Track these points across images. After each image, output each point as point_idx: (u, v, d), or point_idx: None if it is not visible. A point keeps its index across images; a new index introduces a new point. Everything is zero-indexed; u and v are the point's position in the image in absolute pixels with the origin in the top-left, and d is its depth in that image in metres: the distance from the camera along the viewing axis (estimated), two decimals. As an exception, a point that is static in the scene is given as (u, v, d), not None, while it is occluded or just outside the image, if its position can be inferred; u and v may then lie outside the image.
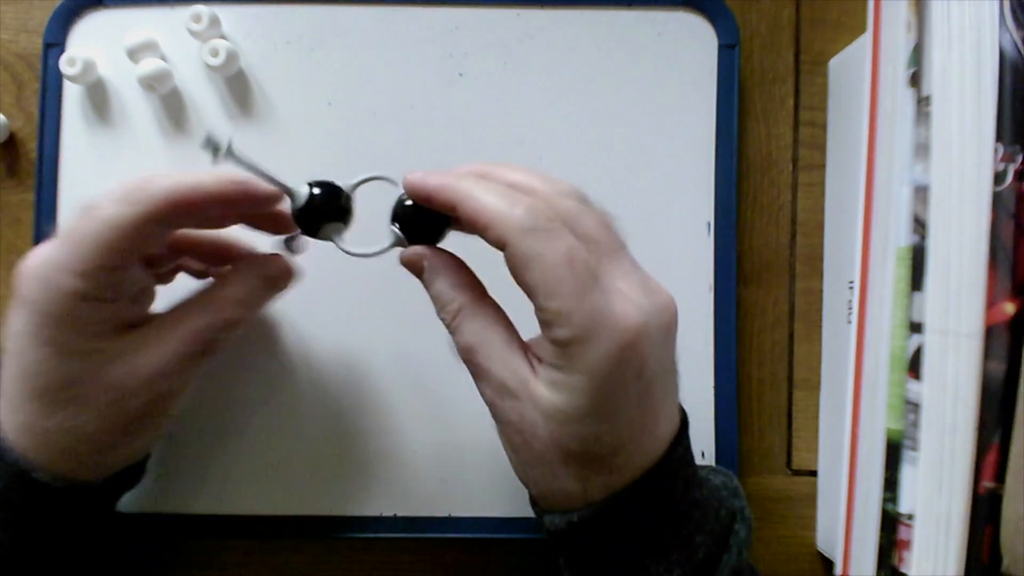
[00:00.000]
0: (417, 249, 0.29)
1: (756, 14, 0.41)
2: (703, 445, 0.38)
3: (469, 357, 0.28)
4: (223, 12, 0.38)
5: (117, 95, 0.38)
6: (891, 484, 0.31)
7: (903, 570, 0.30)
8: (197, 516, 0.37)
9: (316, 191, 0.29)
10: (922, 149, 0.30)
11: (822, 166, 0.40)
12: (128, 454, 0.32)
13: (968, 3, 0.29)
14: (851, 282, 0.36)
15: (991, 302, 0.28)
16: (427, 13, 0.39)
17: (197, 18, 0.37)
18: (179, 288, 0.33)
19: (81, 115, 0.38)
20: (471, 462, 0.37)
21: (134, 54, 0.37)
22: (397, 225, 0.30)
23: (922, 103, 0.30)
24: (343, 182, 0.30)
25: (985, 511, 0.28)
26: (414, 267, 0.29)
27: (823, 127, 0.40)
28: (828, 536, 0.38)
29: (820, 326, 0.40)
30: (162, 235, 0.29)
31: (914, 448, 0.29)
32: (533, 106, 0.39)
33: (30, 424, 0.29)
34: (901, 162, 0.31)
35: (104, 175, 0.38)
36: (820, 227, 0.40)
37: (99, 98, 0.38)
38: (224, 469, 0.37)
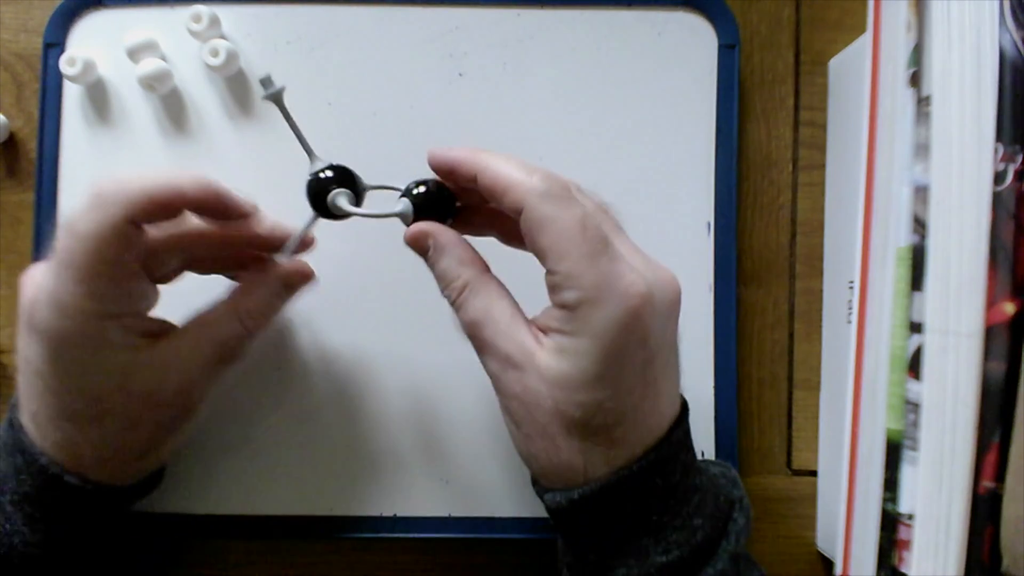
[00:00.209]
0: (423, 225, 0.29)
1: (756, 14, 0.41)
2: (703, 445, 0.38)
3: (474, 332, 0.29)
4: (223, 12, 0.38)
5: (117, 95, 0.38)
6: (891, 484, 0.31)
7: (903, 570, 0.30)
8: (198, 516, 0.37)
9: (336, 164, 0.31)
10: (922, 149, 0.30)
11: (822, 166, 0.40)
12: (156, 459, 0.33)
13: (968, 3, 0.29)
14: (851, 282, 0.36)
15: (991, 302, 0.28)
16: (427, 13, 0.39)
17: (197, 18, 0.37)
18: (181, 290, 0.33)
19: (81, 115, 0.38)
20: (471, 462, 0.37)
21: (134, 54, 0.37)
22: (407, 199, 0.30)
23: (922, 103, 0.30)
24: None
25: (985, 511, 0.28)
26: (419, 244, 0.29)
27: (823, 127, 0.40)
28: (828, 536, 0.38)
29: (820, 326, 0.40)
30: (144, 235, 0.29)
31: (914, 448, 0.29)
32: (533, 106, 0.39)
33: (61, 441, 0.29)
34: (901, 162, 0.31)
35: (104, 175, 0.38)
36: (820, 227, 0.40)
37: (99, 98, 0.38)
38: (225, 470, 0.37)
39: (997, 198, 0.28)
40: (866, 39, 0.35)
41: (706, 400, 0.38)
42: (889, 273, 0.32)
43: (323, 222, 0.31)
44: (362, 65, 0.39)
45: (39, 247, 0.37)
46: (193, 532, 0.37)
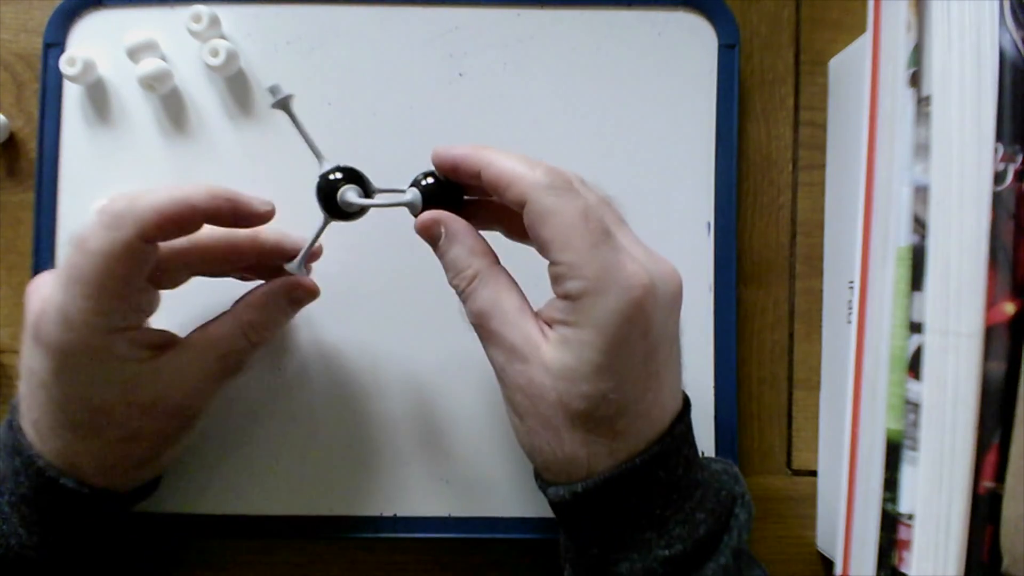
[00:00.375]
0: (434, 213, 0.29)
1: (756, 14, 0.41)
2: (703, 445, 0.38)
3: (481, 322, 0.29)
4: (223, 12, 0.38)
5: (117, 95, 0.38)
6: (891, 484, 0.31)
7: (903, 570, 0.30)
8: (198, 516, 0.37)
9: (344, 165, 0.31)
10: (922, 149, 0.30)
11: (822, 166, 0.40)
12: (154, 469, 0.33)
13: (968, 3, 0.29)
14: (851, 282, 0.36)
15: (991, 302, 0.28)
16: (427, 13, 0.39)
17: (197, 18, 0.37)
18: (181, 290, 0.33)
19: (81, 115, 0.38)
20: (471, 462, 0.37)
21: (134, 54, 0.37)
22: (416, 189, 0.30)
23: (922, 103, 0.30)
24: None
25: (985, 511, 0.28)
26: (430, 232, 0.29)
27: (823, 127, 0.40)
28: (828, 536, 0.38)
29: (820, 326, 0.40)
30: (156, 252, 0.29)
31: (914, 448, 0.29)
32: (533, 106, 0.39)
33: (61, 449, 0.29)
34: (901, 162, 0.31)
35: (104, 175, 0.38)
36: (820, 227, 0.40)
37: (99, 98, 0.38)
38: (225, 470, 0.37)
39: (997, 198, 0.28)
40: (866, 39, 0.35)
41: (706, 400, 0.38)
42: (889, 273, 0.32)
43: (327, 228, 0.31)
44: (362, 65, 0.39)
45: (39, 247, 0.37)
46: (193, 532, 0.37)
